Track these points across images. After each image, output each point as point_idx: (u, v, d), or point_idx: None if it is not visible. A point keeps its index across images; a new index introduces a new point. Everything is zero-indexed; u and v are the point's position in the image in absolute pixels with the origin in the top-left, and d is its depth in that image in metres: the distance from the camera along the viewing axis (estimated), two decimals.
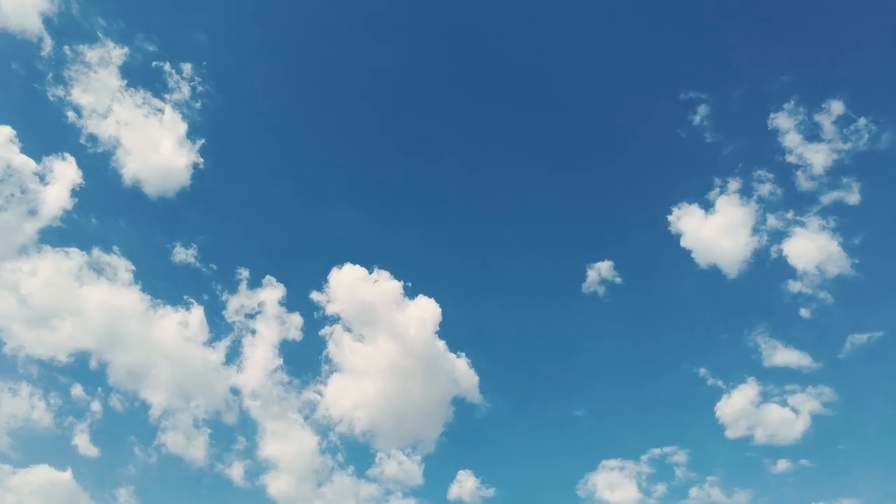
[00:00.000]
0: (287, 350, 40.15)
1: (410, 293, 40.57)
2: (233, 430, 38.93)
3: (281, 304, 40.58)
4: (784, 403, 35.28)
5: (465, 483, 37.99)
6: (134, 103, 40.14)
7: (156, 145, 40.35)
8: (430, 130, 45.80)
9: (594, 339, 41.37)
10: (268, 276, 40.96)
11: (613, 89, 44.04)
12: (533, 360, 42.16)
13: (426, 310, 40.46)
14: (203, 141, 41.26)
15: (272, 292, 40.75)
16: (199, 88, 41.52)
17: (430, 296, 40.52)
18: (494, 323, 43.14)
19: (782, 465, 34.61)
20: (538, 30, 44.60)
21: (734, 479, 35.16)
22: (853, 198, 36.55)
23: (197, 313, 39.51)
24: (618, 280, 40.12)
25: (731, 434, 35.70)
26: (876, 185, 36.54)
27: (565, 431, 39.81)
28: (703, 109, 40.11)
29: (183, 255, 40.50)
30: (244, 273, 40.89)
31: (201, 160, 41.17)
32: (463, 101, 45.72)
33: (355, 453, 38.99)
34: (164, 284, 40.20)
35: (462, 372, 39.78)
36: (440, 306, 40.08)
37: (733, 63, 41.22)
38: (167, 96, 40.90)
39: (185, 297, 39.77)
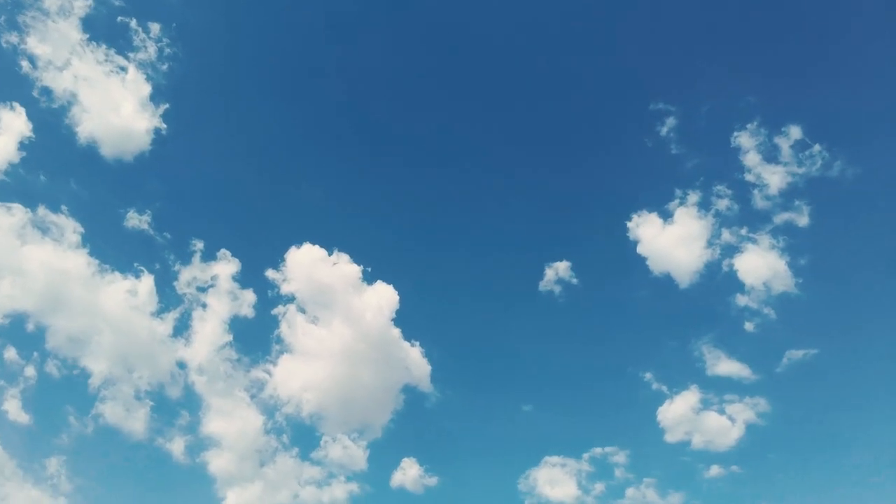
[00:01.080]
0: (238, 327, 39.47)
1: (369, 278, 40.39)
2: (176, 405, 38.13)
3: (235, 279, 39.83)
4: (722, 412, 36.70)
5: (408, 470, 38.27)
6: (95, 59, 38.52)
7: (116, 105, 38.82)
8: (401, 121, 45.61)
9: (547, 337, 42.04)
10: (223, 250, 40.11)
11: (586, 92, 44.65)
12: (486, 354, 42.61)
13: (383, 296, 40.35)
14: (167, 106, 39.93)
15: (226, 266, 39.92)
16: (167, 51, 40.13)
17: (388, 282, 40.44)
18: (450, 314, 43.48)
19: (715, 470, 36.04)
20: (513, 27, 44.81)
21: (669, 482, 36.40)
22: (803, 220, 38.16)
23: (146, 282, 38.40)
24: (574, 281, 40.88)
25: (669, 438, 36.94)
26: (825, 211, 38.24)
27: (512, 426, 40.41)
28: (670, 121, 41.11)
29: (136, 220, 39.23)
30: (199, 245, 39.91)
31: (164, 126, 39.86)
32: (435, 95, 45.65)
33: (301, 435, 38.76)
34: (113, 250, 38.90)
35: (415, 361, 39.92)
36: (398, 294, 40.05)
37: (704, 79, 42.31)
38: (131, 55, 39.41)
39: (135, 265, 38.60)
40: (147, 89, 39.45)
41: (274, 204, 44.32)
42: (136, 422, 36.83)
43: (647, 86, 42.99)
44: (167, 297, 39.00)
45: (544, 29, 44.47)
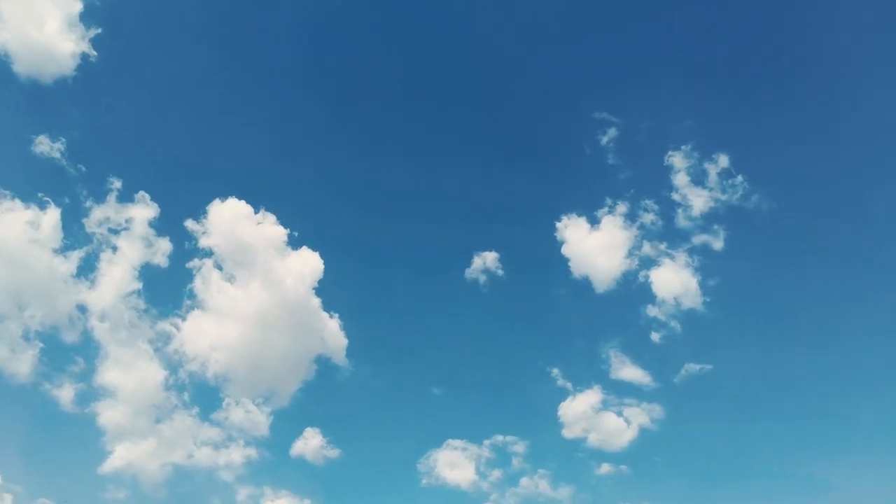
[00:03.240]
0: (149, 275, 37.62)
1: (294, 243, 39.40)
2: (70, 350, 36.08)
3: (151, 225, 37.86)
4: (620, 414, 38.52)
5: (310, 440, 37.97)
6: None
7: (39, 22, 35.58)
8: (350, 85, 44.73)
9: (466, 323, 42.70)
10: (142, 193, 37.93)
11: (536, 93, 45.44)
12: (404, 334, 42.88)
13: (308, 263, 39.46)
14: (98, 30, 37.08)
15: (144, 210, 37.82)
16: None
17: (314, 250, 39.62)
18: (374, 290, 43.25)
19: (605, 468, 37.86)
20: (469, 22, 44.78)
21: (562, 475, 37.97)
22: (718, 244, 40.35)
23: (52, 215, 35.82)
24: (500, 272, 41.56)
25: (567, 434, 38.43)
26: (739, 238, 40.63)
27: (420, 407, 40.94)
28: (611, 132, 42.29)
29: (46, 147, 36.36)
30: (116, 183, 37.56)
31: (93, 52, 37.08)
32: (390, 77, 45.22)
33: (203, 395, 37.58)
34: (16, 176, 36.06)
35: (332, 333, 39.47)
36: (323, 263, 39.33)
37: (649, 98, 43.98)
38: None
39: (40, 195, 35.90)
40: (78, 7, 36.50)
41: (203, 151, 42.37)
42: (22, 364, 34.68)
43: (596, 94, 44.38)
44: (74, 234, 36.64)
45: (504, 29, 44.94)
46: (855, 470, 35.19)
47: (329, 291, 39.38)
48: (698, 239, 40.34)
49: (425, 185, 44.78)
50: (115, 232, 37.18)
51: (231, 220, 38.74)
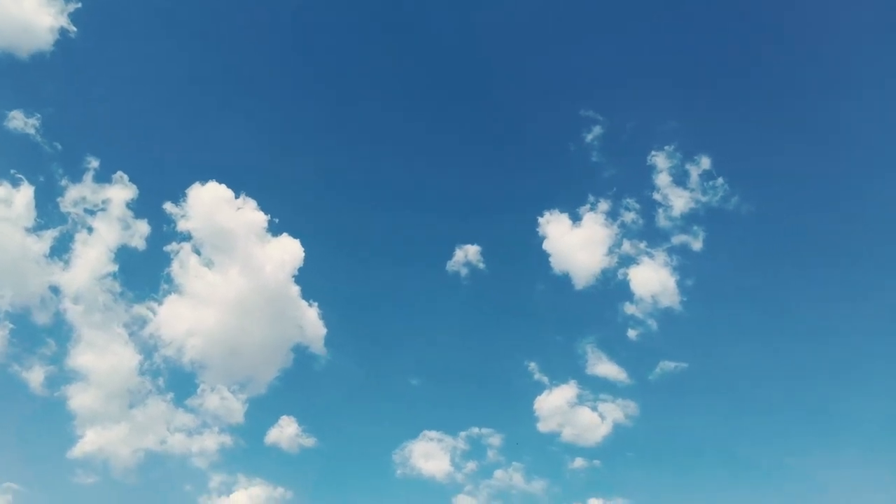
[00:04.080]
0: (125, 258, 36.99)
1: (275, 229, 38.97)
2: (42, 332, 35.41)
3: (129, 206, 37.16)
4: (594, 409, 38.88)
5: (286, 428, 37.75)
6: None
7: None
8: (338, 75, 44.26)
9: (445, 315, 42.63)
10: (120, 173, 37.19)
11: (524, 88, 45.34)
12: (383, 324, 42.71)
13: (288, 250, 39.10)
14: (78, 5, 36.14)
15: (121, 191, 37.10)
16: None
17: (295, 237, 39.26)
18: (354, 279, 42.99)
19: (578, 462, 38.22)
20: (459, 15, 44.61)
21: (536, 469, 38.21)
22: (697, 245, 40.81)
23: (25, 193, 35.05)
24: (481, 265, 41.62)
25: (542, 427, 38.68)
26: (717, 239, 41.18)
27: (397, 398, 40.91)
28: (596, 130, 42.44)
29: (21, 122, 35.48)
30: (93, 163, 36.79)
31: (72, 28, 36.13)
32: (377, 68, 44.88)
33: (178, 381, 37.11)
34: None
35: (311, 321, 39.19)
36: (303, 250, 38.99)
37: (635, 97, 44.14)
38: None
39: (12, 172, 35.06)
40: None
41: (184, 133, 41.68)
42: None
43: (583, 92, 44.46)
44: (48, 213, 35.85)
45: (495, 24, 44.76)
46: (828, 463, 36.09)
47: (309, 280, 39.17)
48: (678, 239, 40.86)
49: (409, 176, 44.77)
50: (90, 212, 36.50)
51: (211, 205, 38.22)
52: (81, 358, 35.10)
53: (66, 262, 35.70)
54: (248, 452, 37.27)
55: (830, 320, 40.04)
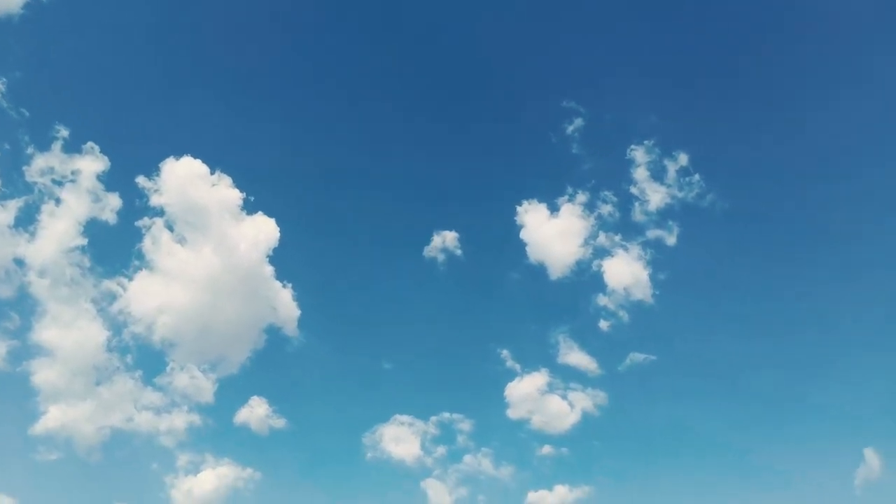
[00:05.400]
0: (95, 231, 36.05)
1: (250, 207, 38.31)
2: (4, 305, 34.46)
3: (100, 178, 36.17)
4: (564, 397, 39.39)
5: (256, 409, 37.46)
6: None
7: None
8: (321, 58, 43.68)
9: (420, 301, 42.72)
10: (91, 144, 36.11)
11: (507, 76, 45.12)
12: (358, 307, 42.58)
13: (263, 230, 38.52)
14: None
15: (92, 163, 36.06)
16: None
17: (270, 216, 38.65)
18: (330, 262, 42.69)
19: (546, 449, 38.74)
20: (443, 3, 44.14)
21: (504, 455, 38.67)
22: (671, 240, 41.35)
23: None
24: (458, 252, 41.62)
25: (512, 414, 39.10)
26: (691, 235, 41.78)
27: (369, 381, 40.87)
28: (577, 122, 42.55)
29: None
30: (63, 132, 35.64)
31: None
32: (360, 53, 44.31)
33: (147, 358, 36.50)
34: None
35: (284, 303, 38.75)
36: (279, 230, 38.44)
37: (617, 90, 44.21)
38: None
39: None
40: None
41: (159, 104, 40.49)
42: None
43: (566, 83, 44.41)
44: (13, 182, 34.75)
45: (480, 13, 44.40)
46: (792, 454, 37.11)
47: (283, 260, 38.69)
48: (652, 233, 41.36)
49: (389, 160, 44.36)
50: (58, 183, 35.38)
51: (185, 179, 37.37)
52: (46, 333, 34.33)
53: (32, 234, 34.74)
54: (217, 432, 37.08)
55: (800, 316, 41.07)
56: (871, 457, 34.80)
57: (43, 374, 33.89)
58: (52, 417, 33.63)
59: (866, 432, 36.03)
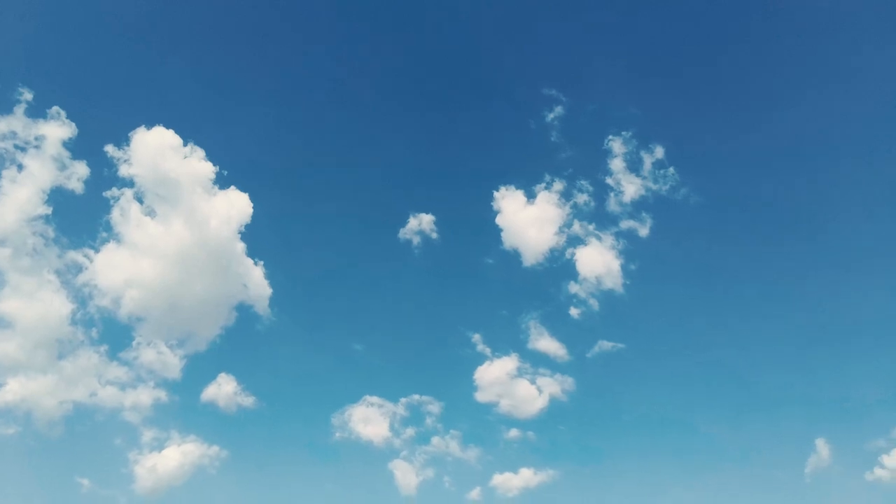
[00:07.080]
0: (60, 200, 34.88)
1: (223, 182, 37.55)
2: None
3: (66, 146, 34.89)
4: (533, 382, 39.97)
5: (224, 386, 37.06)
6: None
7: None
8: (301, 35, 43.12)
9: (394, 283, 42.72)
10: (56, 108, 34.80)
11: (490, 62, 45.10)
12: (330, 288, 42.34)
13: (235, 205, 37.82)
14: None
15: (58, 129, 34.72)
16: None
17: (244, 191, 38.00)
18: (303, 241, 42.31)
19: (513, 433, 39.36)
20: None
21: (472, 437, 39.18)
22: (644, 231, 42.00)
23: None
24: (434, 235, 41.61)
25: (480, 397, 39.55)
26: (663, 227, 42.49)
27: (340, 362, 40.87)
28: (557, 110, 42.77)
29: None
30: (27, 95, 34.21)
31: None
32: (341, 34, 43.84)
33: (113, 333, 35.71)
34: None
35: (256, 280, 38.26)
36: (252, 206, 37.79)
37: (598, 80, 44.64)
38: None
39: None
40: None
41: (132, 70, 39.13)
42: None
43: (548, 70, 44.41)
44: None
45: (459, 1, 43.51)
46: (749, 439, 38.43)
47: (256, 237, 38.18)
48: (626, 224, 41.95)
49: (368, 141, 43.98)
50: (21, 148, 34.03)
51: (156, 150, 36.30)
52: (6, 304, 33.15)
53: None
54: (184, 409, 36.63)
55: (767, 309, 42.08)
56: (822, 447, 36.46)
57: (1, 346, 32.86)
58: (11, 390, 32.81)
59: (820, 423, 37.76)
